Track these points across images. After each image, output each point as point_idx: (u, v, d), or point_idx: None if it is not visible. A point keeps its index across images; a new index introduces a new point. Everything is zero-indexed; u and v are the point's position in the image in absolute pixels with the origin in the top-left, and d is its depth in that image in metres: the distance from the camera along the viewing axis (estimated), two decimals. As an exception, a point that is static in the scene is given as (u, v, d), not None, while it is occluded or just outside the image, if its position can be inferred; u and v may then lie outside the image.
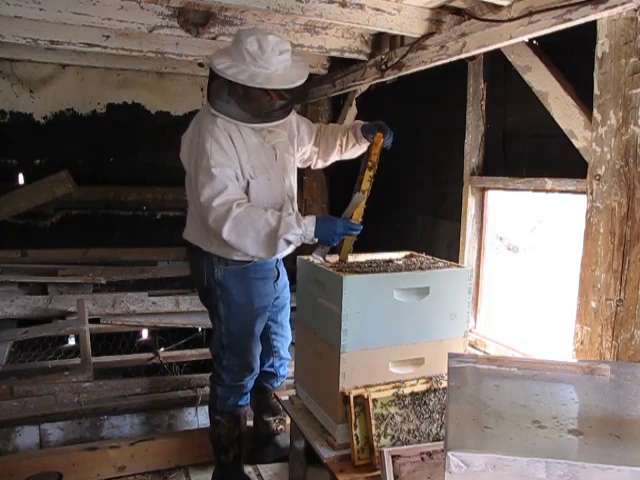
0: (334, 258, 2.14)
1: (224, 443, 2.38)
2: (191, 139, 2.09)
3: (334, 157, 2.42)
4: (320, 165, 2.49)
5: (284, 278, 2.45)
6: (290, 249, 2.06)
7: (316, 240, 1.94)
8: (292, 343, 2.83)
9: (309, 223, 1.90)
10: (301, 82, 2.01)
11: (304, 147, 2.37)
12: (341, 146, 2.35)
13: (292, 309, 2.55)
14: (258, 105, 2.03)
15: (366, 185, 2.02)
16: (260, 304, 2.24)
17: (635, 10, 1.64)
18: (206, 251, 2.16)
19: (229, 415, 2.34)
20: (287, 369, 2.66)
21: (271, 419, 2.69)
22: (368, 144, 2.23)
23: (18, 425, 2.68)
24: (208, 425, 2.76)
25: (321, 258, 2.01)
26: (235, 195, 1.95)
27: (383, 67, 2.82)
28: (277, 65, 1.97)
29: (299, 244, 1.96)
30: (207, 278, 2.19)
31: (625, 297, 1.71)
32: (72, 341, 3.72)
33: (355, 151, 2.37)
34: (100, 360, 3.15)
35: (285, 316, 2.56)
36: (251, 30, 2.01)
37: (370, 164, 2.05)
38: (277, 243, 1.89)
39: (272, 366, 2.57)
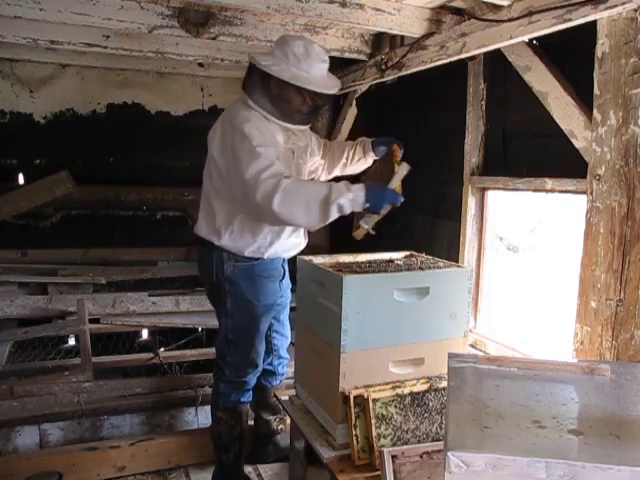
0: (334, 259, 2.15)
1: (225, 441, 2.39)
2: (223, 130, 2.12)
3: (337, 170, 2.53)
4: (323, 177, 2.57)
5: (287, 278, 2.49)
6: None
7: (367, 206, 1.90)
8: (291, 343, 2.86)
9: (358, 189, 1.88)
10: (336, 90, 2.16)
11: (313, 158, 2.45)
12: (347, 159, 2.45)
13: (292, 309, 2.56)
14: (291, 106, 2.10)
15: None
16: (266, 301, 2.28)
17: (635, 10, 1.64)
18: (217, 245, 2.18)
19: (231, 411, 2.36)
20: (285, 368, 2.69)
21: (271, 418, 2.70)
22: (373, 159, 2.36)
23: (18, 425, 2.68)
24: (208, 425, 2.76)
25: (368, 227, 2.00)
26: (281, 169, 1.96)
27: (383, 67, 2.82)
28: (316, 72, 2.07)
29: (349, 211, 1.91)
30: (216, 274, 2.22)
31: (625, 297, 1.71)
32: (72, 341, 3.72)
33: (359, 165, 2.46)
34: (100, 360, 3.15)
35: (286, 315, 2.60)
36: (298, 36, 2.18)
37: (397, 160, 2.10)
38: (330, 209, 1.86)
39: (271, 364, 2.60)
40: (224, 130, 2.11)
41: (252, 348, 2.31)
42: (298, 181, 1.96)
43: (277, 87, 2.06)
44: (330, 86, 2.12)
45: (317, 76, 2.07)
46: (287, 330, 2.62)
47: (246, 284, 2.22)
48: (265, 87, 2.08)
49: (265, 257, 2.22)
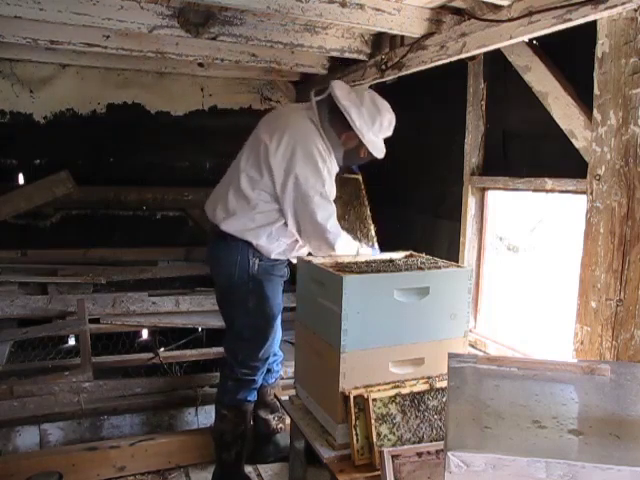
0: (334, 259, 2.15)
1: (228, 440, 2.40)
2: (292, 147, 2.17)
3: None
4: None
5: None
6: None
7: None
8: (289, 342, 2.90)
9: (369, 255, 2.24)
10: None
11: None
12: None
13: (291, 309, 2.57)
14: (349, 154, 2.33)
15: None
16: (279, 300, 2.40)
17: (635, 10, 1.64)
18: (253, 245, 2.26)
19: (236, 409, 2.39)
20: (279, 365, 2.72)
21: (270, 417, 2.72)
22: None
23: (18, 425, 2.68)
24: (208, 425, 2.76)
25: None
26: (335, 218, 2.25)
27: (383, 67, 2.82)
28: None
29: None
30: (239, 272, 2.28)
31: (625, 297, 1.71)
32: (72, 341, 3.71)
33: None
34: (100, 360, 3.15)
35: (280, 313, 2.61)
36: (388, 107, 2.30)
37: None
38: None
39: None
40: (292, 148, 2.17)
41: (265, 345, 2.38)
42: (343, 238, 2.23)
43: (351, 139, 2.26)
44: (384, 150, 2.34)
45: (380, 140, 2.30)
46: (280, 328, 2.65)
47: (267, 283, 2.32)
48: (341, 132, 2.25)
49: (285, 258, 2.38)
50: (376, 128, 2.23)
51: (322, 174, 2.17)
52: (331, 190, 2.24)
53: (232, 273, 2.29)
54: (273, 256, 2.30)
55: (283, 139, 2.18)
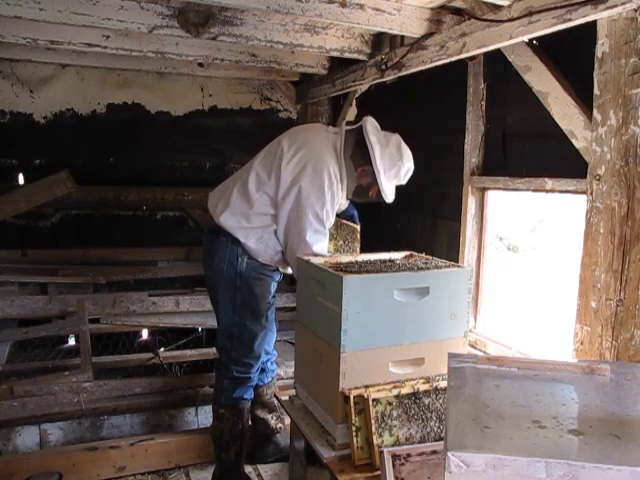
0: (335, 259, 2.16)
1: (226, 439, 2.40)
2: (304, 162, 2.21)
3: None
4: None
5: None
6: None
7: None
8: (282, 341, 2.89)
9: None
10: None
11: None
12: None
13: (292, 309, 2.57)
14: (361, 191, 2.36)
15: None
16: (269, 298, 2.42)
17: (635, 10, 1.64)
18: (241, 242, 2.29)
19: (233, 408, 2.41)
20: (274, 364, 2.73)
21: (268, 416, 2.72)
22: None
23: (18, 425, 2.68)
24: (208, 425, 2.76)
25: None
26: (326, 246, 2.29)
27: (383, 67, 2.82)
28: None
29: None
30: (227, 268, 2.32)
31: (625, 297, 1.71)
32: (72, 341, 3.72)
33: None
34: (100, 360, 3.16)
35: (273, 313, 2.63)
36: (410, 157, 2.31)
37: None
38: None
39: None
40: (305, 163, 2.21)
41: (256, 343, 2.40)
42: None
43: (366, 175, 2.29)
44: (393, 195, 2.35)
45: (393, 187, 2.32)
46: (274, 327, 2.67)
47: (255, 281, 2.34)
48: (359, 165, 2.28)
49: (275, 266, 2.41)
50: (393, 172, 2.26)
51: (325, 196, 2.19)
52: (329, 216, 2.25)
53: (221, 269, 2.33)
54: (261, 260, 2.34)
55: (300, 152, 2.23)
